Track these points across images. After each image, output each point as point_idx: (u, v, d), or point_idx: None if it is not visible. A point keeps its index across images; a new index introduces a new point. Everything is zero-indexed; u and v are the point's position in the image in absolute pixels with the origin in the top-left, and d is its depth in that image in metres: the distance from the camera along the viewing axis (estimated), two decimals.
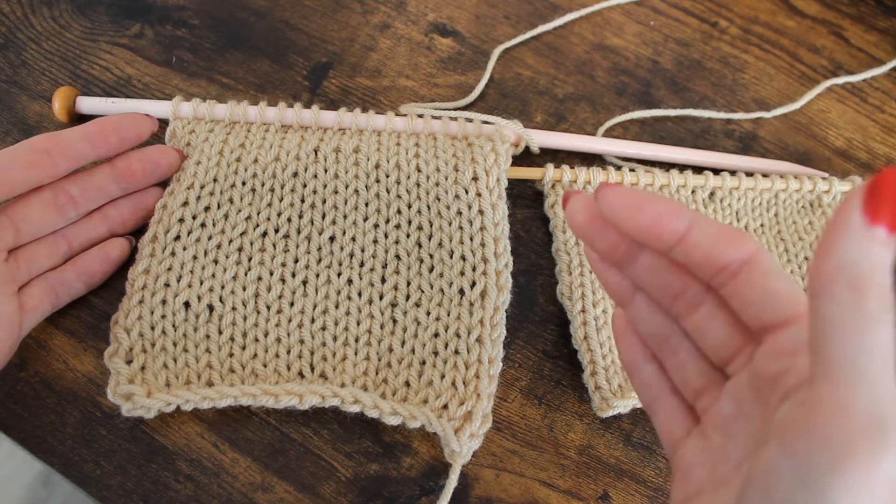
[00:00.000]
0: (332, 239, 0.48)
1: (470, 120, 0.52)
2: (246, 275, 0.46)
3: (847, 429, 0.22)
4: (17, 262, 0.43)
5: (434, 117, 0.52)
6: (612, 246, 0.33)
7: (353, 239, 0.48)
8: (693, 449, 0.32)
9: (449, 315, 0.46)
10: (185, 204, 0.47)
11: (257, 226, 0.48)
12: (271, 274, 0.47)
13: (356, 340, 0.45)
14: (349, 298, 0.46)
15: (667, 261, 0.32)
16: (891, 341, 0.23)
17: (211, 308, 0.45)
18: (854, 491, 0.22)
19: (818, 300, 0.24)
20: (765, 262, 0.29)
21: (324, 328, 0.45)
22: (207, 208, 0.48)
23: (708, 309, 0.31)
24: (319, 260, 0.47)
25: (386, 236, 0.48)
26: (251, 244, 0.47)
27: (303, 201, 0.49)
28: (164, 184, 0.49)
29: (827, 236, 0.23)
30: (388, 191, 0.49)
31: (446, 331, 0.45)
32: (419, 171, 0.50)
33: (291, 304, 0.46)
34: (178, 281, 0.45)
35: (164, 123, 0.52)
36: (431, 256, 0.48)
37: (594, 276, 0.49)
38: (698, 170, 0.55)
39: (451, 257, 0.47)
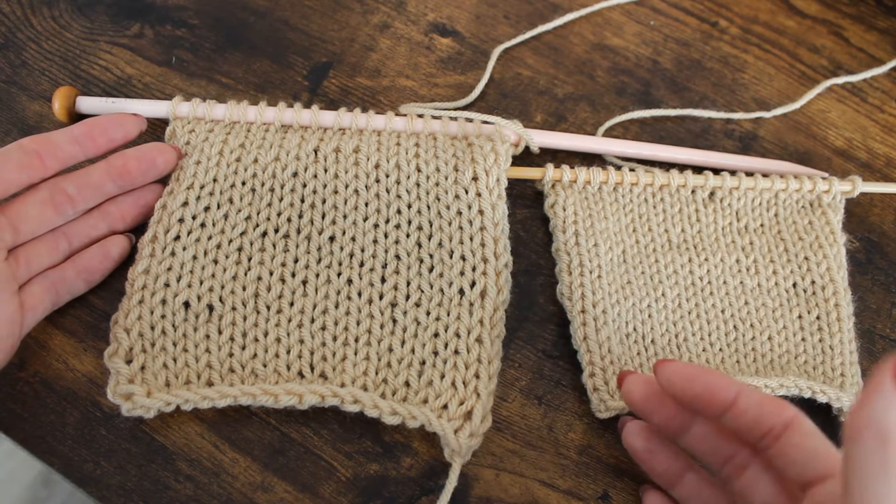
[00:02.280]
0: (331, 239, 0.48)
1: (470, 120, 0.52)
2: (246, 275, 0.46)
3: None
4: (17, 261, 0.43)
5: (434, 117, 0.52)
6: (667, 419, 0.38)
7: (353, 239, 0.48)
8: None
9: (449, 315, 0.46)
10: (185, 204, 0.47)
11: (257, 226, 0.48)
12: (271, 274, 0.47)
13: (356, 340, 0.45)
14: (349, 298, 0.46)
15: (717, 429, 0.37)
16: None
17: (211, 308, 0.45)
18: None
19: (850, 445, 0.28)
20: (804, 425, 0.34)
21: (323, 328, 0.45)
22: (207, 208, 0.48)
23: (755, 471, 0.36)
24: (319, 260, 0.47)
25: (386, 236, 0.48)
26: (251, 244, 0.47)
27: (302, 201, 0.49)
28: (164, 181, 0.49)
29: (863, 392, 0.28)
30: (387, 191, 0.49)
31: (446, 331, 0.45)
32: (419, 171, 0.50)
33: (291, 304, 0.46)
34: (178, 281, 0.45)
35: (164, 123, 0.52)
36: (431, 256, 0.48)
37: (594, 276, 0.49)
38: (698, 170, 0.55)
39: (451, 257, 0.47)
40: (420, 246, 0.48)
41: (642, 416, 0.40)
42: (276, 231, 0.48)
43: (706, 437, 0.37)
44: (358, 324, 0.46)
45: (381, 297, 0.46)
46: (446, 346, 0.45)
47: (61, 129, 0.45)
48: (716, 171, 0.54)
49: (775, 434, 0.33)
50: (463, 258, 0.47)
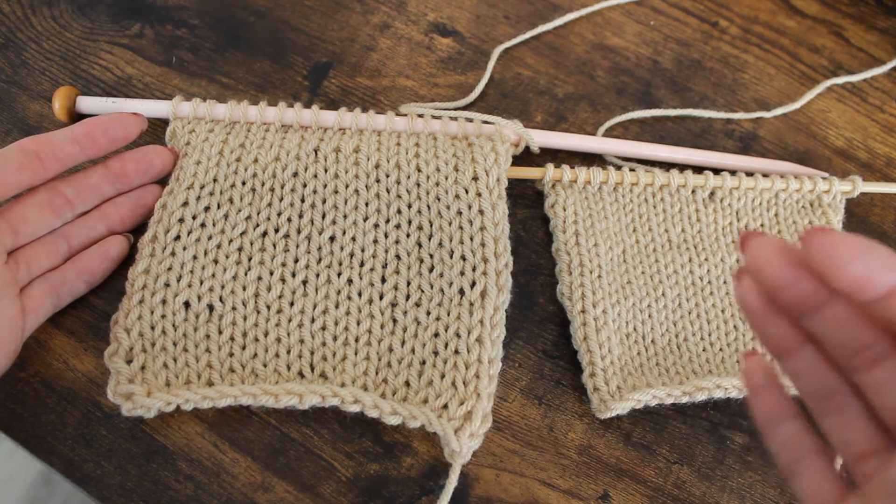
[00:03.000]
0: (332, 239, 0.48)
1: (470, 120, 0.52)
2: (246, 275, 0.46)
3: None
4: (17, 264, 0.43)
5: (434, 117, 0.52)
6: (804, 296, 0.31)
7: (354, 239, 0.48)
8: None
9: (449, 315, 0.46)
10: (185, 204, 0.47)
11: (257, 225, 0.48)
12: (271, 274, 0.47)
13: (356, 340, 0.45)
14: (349, 298, 0.46)
15: (859, 312, 0.30)
16: None
17: (211, 308, 0.45)
18: None
19: None
20: None
21: (324, 328, 0.45)
22: (207, 208, 0.48)
23: (892, 365, 0.29)
24: (319, 260, 0.47)
25: (386, 236, 0.48)
26: (251, 244, 0.47)
27: (303, 201, 0.49)
28: (162, 182, 0.49)
29: None
30: (388, 191, 0.49)
31: (446, 331, 0.45)
32: (419, 170, 0.50)
33: (291, 304, 0.46)
34: (178, 281, 0.45)
35: (164, 123, 0.52)
36: (431, 256, 0.48)
37: (594, 276, 0.49)
38: (698, 170, 0.55)
39: (452, 257, 0.47)
40: (420, 246, 0.48)
41: (775, 288, 0.31)
42: (277, 231, 0.48)
43: (843, 322, 0.30)
44: (358, 324, 0.46)
45: (381, 297, 0.46)
46: (446, 346, 0.45)
47: (61, 129, 0.45)
48: (716, 171, 0.54)
49: None
50: (463, 258, 0.47)
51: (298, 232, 0.48)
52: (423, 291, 0.47)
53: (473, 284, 0.47)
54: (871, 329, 0.30)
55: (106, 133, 0.46)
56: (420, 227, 0.48)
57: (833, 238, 0.28)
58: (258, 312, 0.46)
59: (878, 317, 0.29)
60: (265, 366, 0.44)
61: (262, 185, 0.49)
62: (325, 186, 0.49)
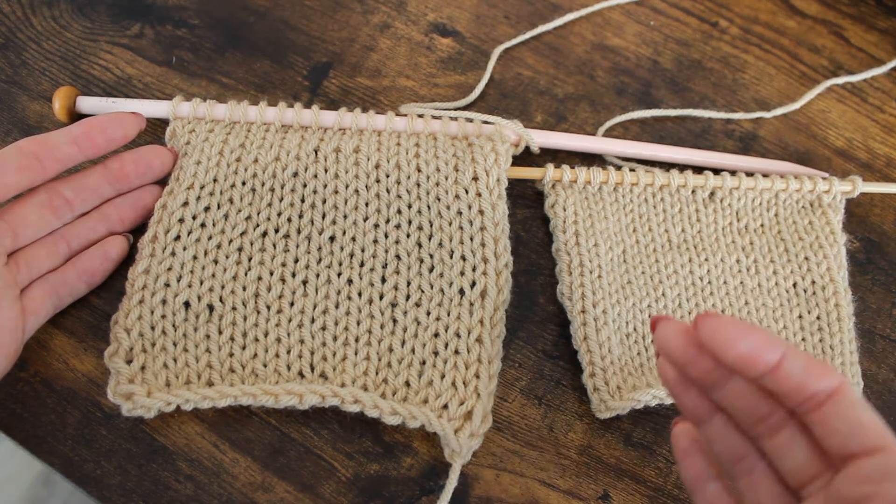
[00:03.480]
0: (332, 239, 0.48)
1: (470, 120, 0.52)
2: (246, 275, 0.46)
3: None
4: (18, 265, 0.43)
5: (434, 117, 0.52)
6: (704, 372, 0.35)
7: (354, 239, 0.48)
8: None
9: (449, 315, 0.46)
10: (185, 204, 0.47)
11: (257, 226, 0.48)
12: (271, 274, 0.47)
13: (356, 340, 0.45)
14: (349, 298, 0.46)
15: (755, 387, 0.34)
16: None
17: (211, 308, 0.45)
18: None
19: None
20: (850, 394, 0.31)
21: (324, 328, 0.45)
22: (207, 208, 0.48)
23: (790, 433, 0.33)
24: (319, 260, 0.47)
25: (386, 236, 0.48)
26: (251, 244, 0.47)
27: (303, 201, 0.49)
28: (162, 182, 0.49)
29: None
30: (388, 191, 0.49)
31: (446, 331, 0.45)
32: (419, 171, 0.50)
33: (291, 304, 0.46)
34: (178, 281, 0.45)
35: (164, 123, 0.52)
36: (431, 256, 0.48)
37: (594, 276, 0.49)
38: (698, 170, 0.55)
39: (452, 257, 0.47)
40: (420, 246, 0.48)
41: (677, 365, 0.36)
42: (277, 231, 0.48)
43: (742, 395, 0.34)
44: (358, 324, 0.46)
45: (381, 297, 0.46)
46: (446, 346, 0.45)
47: (59, 129, 0.45)
48: (716, 171, 0.54)
49: (818, 401, 0.31)
50: (463, 258, 0.47)
51: (298, 232, 0.48)
52: (423, 291, 0.47)
53: (473, 284, 0.47)
54: (767, 401, 0.34)
55: (104, 133, 0.46)
56: (420, 227, 0.48)
57: (720, 321, 0.33)
58: (258, 312, 0.46)
59: (770, 390, 0.33)
60: (265, 366, 0.44)
61: (262, 185, 0.49)
62: (325, 186, 0.49)
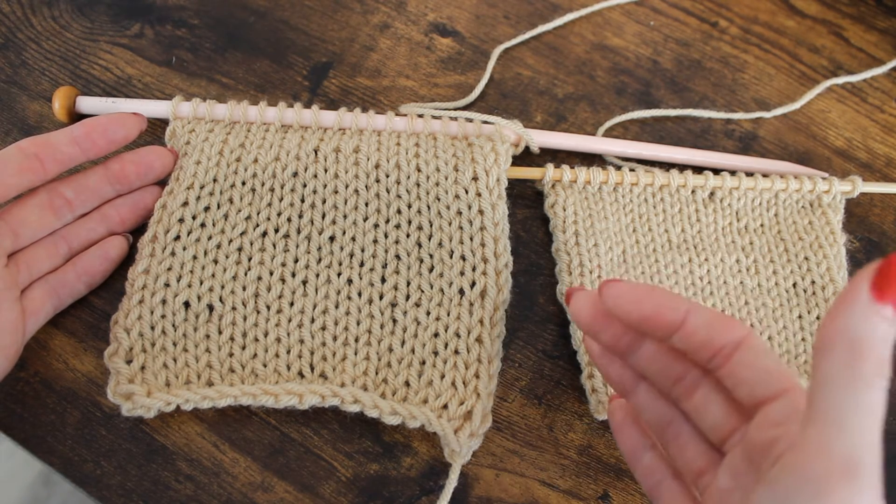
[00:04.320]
0: (331, 239, 0.48)
1: (470, 120, 0.52)
2: (246, 275, 0.46)
3: (825, 469, 0.26)
4: (18, 266, 0.43)
5: (434, 117, 0.52)
6: (615, 338, 0.36)
7: (353, 239, 0.48)
8: None
9: (449, 315, 0.46)
10: (185, 204, 0.47)
11: (257, 226, 0.48)
12: (271, 274, 0.47)
13: (356, 340, 0.45)
14: (349, 298, 0.46)
15: (666, 348, 0.35)
16: (879, 403, 0.26)
17: (211, 308, 0.45)
18: None
19: (818, 356, 0.27)
20: (755, 343, 0.32)
21: (324, 328, 0.45)
22: (207, 208, 0.48)
23: (705, 391, 0.34)
24: (319, 260, 0.47)
25: (386, 236, 0.48)
26: (251, 244, 0.47)
27: (303, 201, 0.49)
28: (162, 183, 0.49)
29: (836, 303, 0.27)
30: (388, 191, 0.49)
31: (446, 330, 0.45)
32: (419, 170, 0.50)
33: (291, 304, 0.46)
34: (178, 281, 0.45)
35: (164, 123, 0.52)
36: (431, 256, 0.48)
37: (594, 276, 0.49)
38: (698, 170, 0.55)
39: (451, 257, 0.47)
40: (420, 246, 0.48)
41: (590, 335, 0.38)
42: (277, 231, 0.48)
43: (655, 358, 0.36)
44: (358, 324, 0.46)
45: (381, 297, 0.46)
46: (446, 345, 0.45)
47: (60, 130, 0.45)
48: (716, 171, 0.54)
49: (726, 354, 0.32)
50: (463, 258, 0.47)
51: (298, 232, 0.48)
52: (422, 291, 0.47)
53: (473, 284, 0.47)
54: (680, 362, 0.35)
55: (105, 134, 0.46)
56: (420, 227, 0.48)
57: (621, 287, 0.35)
58: (258, 312, 0.46)
59: (680, 350, 0.34)
60: (265, 366, 0.44)
61: (262, 185, 0.49)
62: (324, 186, 0.49)
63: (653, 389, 0.37)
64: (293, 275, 0.47)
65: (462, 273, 0.47)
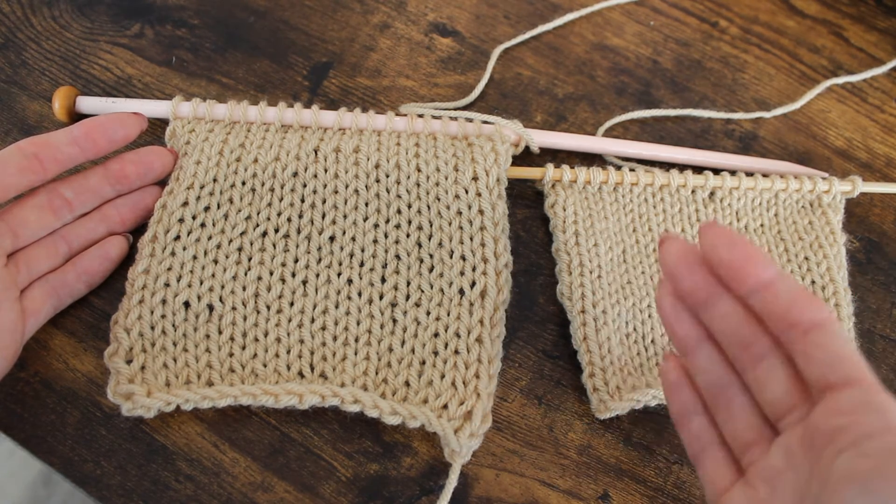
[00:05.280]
0: (332, 239, 0.48)
1: (470, 120, 0.52)
2: (246, 275, 0.46)
3: None
4: (17, 266, 0.43)
5: (434, 117, 0.52)
6: (696, 286, 0.35)
7: (353, 239, 0.48)
8: (738, 499, 0.34)
9: (449, 315, 0.46)
10: (185, 204, 0.47)
11: (257, 226, 0.48)
12: (271, 274, 0.47)
13: (356, 340, 0.45)
14: (349, 298, 0.46)
15: (744, 310, 0.34)
16: None
17: (211, 308, 0.45)
18: None
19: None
20: (836, 327, 0.32)
21: (324, 328, 0.45)
22: (207, 208, 0.48)
23: (772, 363, 0.34)
24: (319, 260, 0.47)
25: (386, 236, 0.48)
26: (251, 244, 0.47)
27: (303, 201, 0.49)
28: (162, 183, 0.49)
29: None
30: (388, 191, 0.49)
31: (446, 330, 0.45)
32: (419, 170, 0.50)
33: (291, 304, 0.46)
34: (178, 281, 0.45)
35: (164, 123, 0.52)
36: (431, 256, 0.48)
37: (594, 276, 0.49)
38: (698, 170, 0.55)
39: (451, 257, 0.47)
40: (420, 246, 0.48)
41: (673, 277, 0.37)
42: (277, 231, 0.48)
43: (730, 316, 0.35)
44: (358, 324, 0.46)
45: (381, 297, 0.46)
46: (446, 345, 0.45)
47: (60, 130, 0.45)
48: (716, 171, 0.54)
49: (803, 329, 0.32)
50: (463, 258, 0.47)
51: (298, 232, 0.48)
52: (422, 291, 0.47)
53: (473, 284, 0.47)
54: (753, 326, 0.34)
55: (105, 134, 0.46)
56: (420, 227, 0.48)
57: (720, 229, 0.34)
58: (258, 312, 0.46)
59: (757, 313, 0.33)
60: (265, 366, 0.44)
61: (262, 185, 0.49)
62: (324, 186, 0.49)
63: (715, 352, 0.36)
64: (293, 275, 0.47)
65: (462, 273, 0.47)
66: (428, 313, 0.46)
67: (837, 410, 0.30)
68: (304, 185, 0.49)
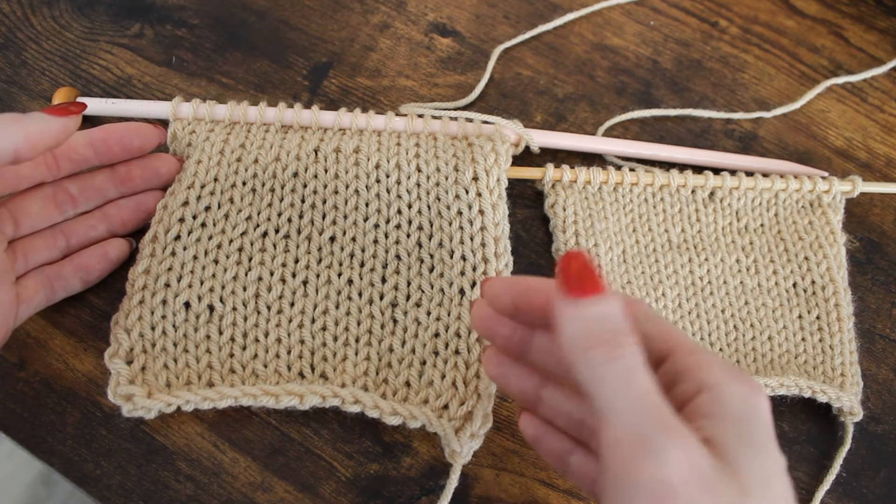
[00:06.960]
0: (332, 239, 0.48)
1: (470, 120, 0.52)
2: (246, 275, 0.46)
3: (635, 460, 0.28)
4: (16, 254, 0.44)
5: (434, 117, 0.52)
6: (507, 336, 0.37)
7: (354, 239, 0.48)
8: None
9: (449, 315, 0.46)
10: (186, 204, 0.47)
11: (258, 226, 0.48)
12: (272, 274, 0.47)
13: (356, 340, 0.45)
14: (349, 298, 0.46)
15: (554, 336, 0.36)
16: (631, 368, 0.28)
17: (211, 308, 0.45)
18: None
19: (573, 371, 0.30)
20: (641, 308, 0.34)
21: (324, 328, 0.45)
22: (208, 208, 0.48)
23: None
24: (320, 260, 0.47)
25: (386, 236, 0.48)
26: (251, 244, 0.47)
27: (303, 201, 0.49)
28: (166, 188, 0.49)
29: (552, 322, 0.30)
30: (388, 191, 0.49)
31: (447, 331, 0.45)
32: (419, 171, 0.50)
33: (292, 305, 0.46)
34: (179, 281, 0.45)
35: (163, 124, 0.52)
36: (432, 256, 0.48)
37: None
38: (698, 170, 0.55)
39: (452, 257, 0.47)
40: (420, 246, 0.48)
41: (487, 338, 0.39)
42: (277, 231, 0.48)
43: (548, 348, 0.36)
44: (358, 324, 0.46)
45: (381, 297, 0.46)
46: (447, 346, 0.45)
47: (79, 131, 0.45)
48: (716, 171, 0.54)
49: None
50: (463, 258, 0.47)
51: (299, 232, 0.48)
52: (423, 291, 0.47)
53: (474, 284, 0.47)
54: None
55: (121, 141, 0.46)
56: (420, 228, 0.48)
57: (494, 280, 0.37)
58: (258, 313, 0.46)
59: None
60: (265, 366, 0.44)
61: (263, 185, 0.49)
62: (325, 187, 0.49)
63: (557, 392, 0.37)
64: (294, 275, 0.47)
65: (462, 273, 0.47)
66: (428, 313, 0.46)
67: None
68: (305, 186, 0.49)
